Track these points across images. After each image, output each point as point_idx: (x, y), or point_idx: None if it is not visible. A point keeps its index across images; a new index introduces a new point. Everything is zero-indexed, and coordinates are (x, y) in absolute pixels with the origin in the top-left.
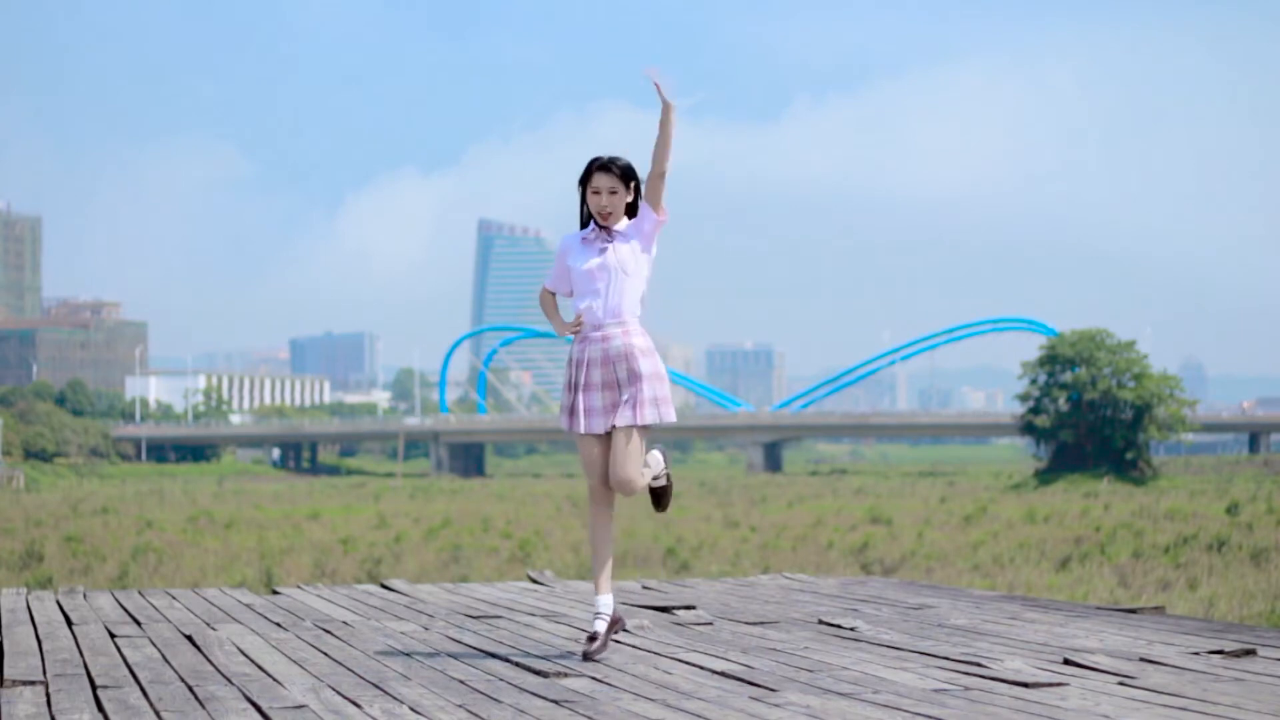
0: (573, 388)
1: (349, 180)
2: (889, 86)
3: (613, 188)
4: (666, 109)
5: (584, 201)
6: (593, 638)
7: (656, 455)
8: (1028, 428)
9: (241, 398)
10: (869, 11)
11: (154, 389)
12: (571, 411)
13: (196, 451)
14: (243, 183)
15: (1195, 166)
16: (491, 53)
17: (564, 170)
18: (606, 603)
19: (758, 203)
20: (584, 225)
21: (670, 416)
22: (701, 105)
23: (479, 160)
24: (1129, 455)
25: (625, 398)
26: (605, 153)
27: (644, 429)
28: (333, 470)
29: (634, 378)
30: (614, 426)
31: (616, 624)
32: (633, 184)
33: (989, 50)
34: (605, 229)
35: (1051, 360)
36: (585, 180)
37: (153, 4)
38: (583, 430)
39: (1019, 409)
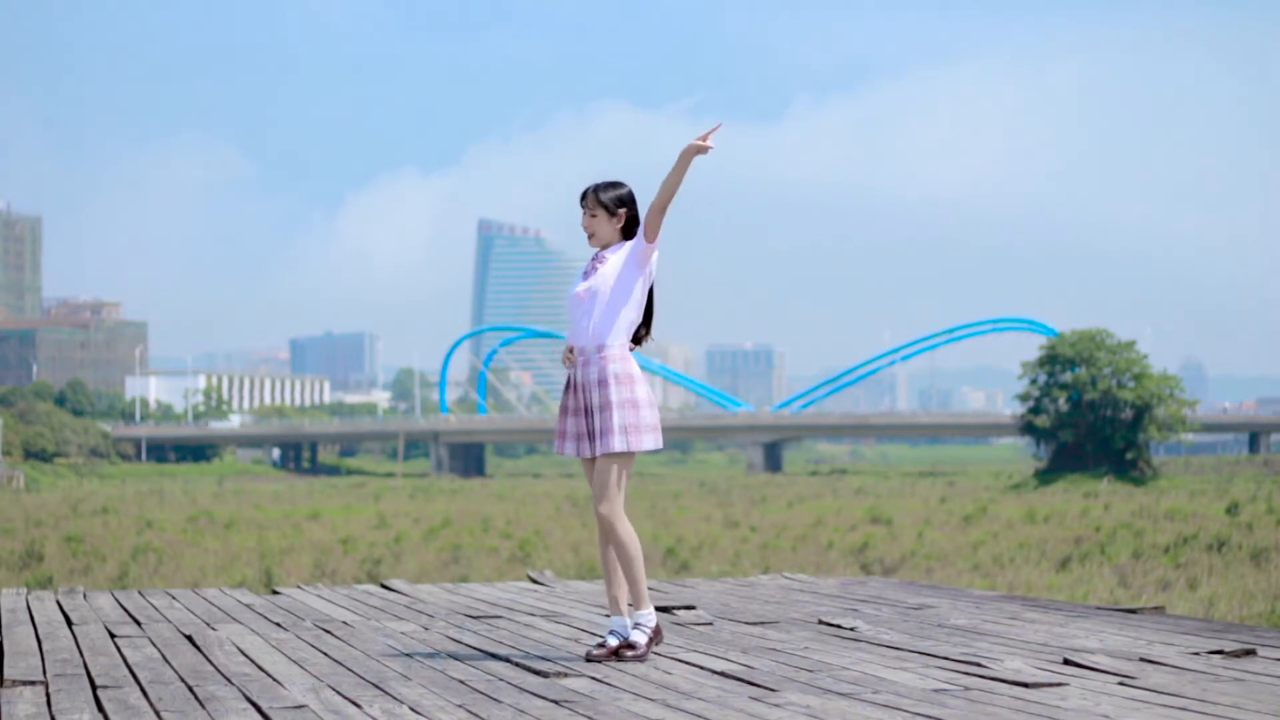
0: (559, 410)
1: (349, 180)
2: (889, 86)
3: (592, 212)
4: (692, 151)
5: None
6: (599, 647)
7: (650, 615)
8: (1028, 428)
9: (241, 398)
10: (869, 11)
11: (154, 389)
12: (557, 434)
13: (196, 451)
14: (243, 183)
15: (1195, 167)
16: (491, 53)
17: (564, 170)
18: (617, 623)
19: (758, 203)
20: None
21: (643, 445)
22: (700, 105)
23: (479, 160)
24: (1129, 455)
25: (594, 426)
26: (607, 154)
27: (620, 457)
28: (333, 470)
29: (604, 406)
30: (592, 456)
31: (624, 647)
32: (622, 211)
33: (989, 50)
34: (597, 255)
35: (1051, 360)
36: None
37: (153, 4)
38: (557, 452)
39: (1019, 409)
